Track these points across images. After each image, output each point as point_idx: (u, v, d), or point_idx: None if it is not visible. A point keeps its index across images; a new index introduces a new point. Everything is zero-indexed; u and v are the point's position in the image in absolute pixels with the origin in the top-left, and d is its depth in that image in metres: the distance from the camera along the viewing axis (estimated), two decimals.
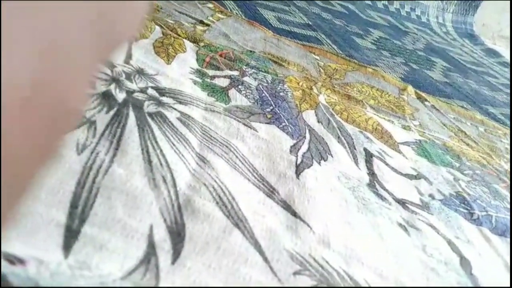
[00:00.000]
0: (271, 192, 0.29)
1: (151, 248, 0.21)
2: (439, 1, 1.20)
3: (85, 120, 0.28)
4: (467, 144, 0.51)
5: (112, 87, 0.32)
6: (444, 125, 0.55)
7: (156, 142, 0.29)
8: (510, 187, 0.41)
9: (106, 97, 0.31)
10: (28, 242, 0.19)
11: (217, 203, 0.26)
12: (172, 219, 0.24)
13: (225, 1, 0.66)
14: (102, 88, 0.31)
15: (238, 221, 0.25)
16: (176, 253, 0.22)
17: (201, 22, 0.52)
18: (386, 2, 1.13)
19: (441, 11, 1.22)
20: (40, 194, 0.21)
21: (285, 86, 0.46)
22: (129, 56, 0.37)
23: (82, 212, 0.22)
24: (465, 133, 0.54)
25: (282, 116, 0.40)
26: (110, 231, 0.21)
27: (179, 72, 0.39)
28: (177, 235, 0.23)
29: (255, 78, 0.44)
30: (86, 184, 0.23)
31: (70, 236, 0.20)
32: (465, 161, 0.46)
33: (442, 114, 0.58)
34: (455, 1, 1.24)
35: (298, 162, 0.34)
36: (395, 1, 1.14)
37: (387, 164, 0.40)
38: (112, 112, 0.29)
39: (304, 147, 0.36)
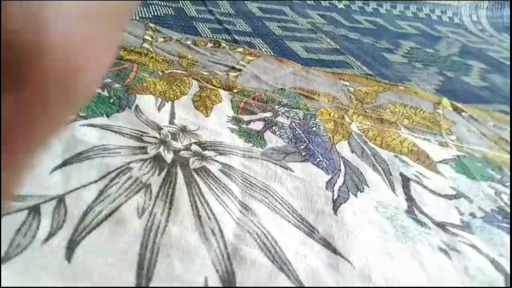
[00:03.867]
0: (310, 231, 0.32)
1: None
2: (471, 1, 1.17)
3: (142, 184, 0.32)
4: (509, 152, 0.51)
5: (161, 149, 0.36)
6: (484, 135, 0.54)
7: (203, 196, 0.32)
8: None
9: (157, 159, 0.35)
10: None
11: (261, 249, 0.29)
12: (224, 269, 0.27)
13: (254, 39, 0.70)
14: (153, 152, 0.35)
15: (282, 264, 0.28)
16: None
17: (233, 68, 0.56)
18: (415, 10, 1.13)
19: (474, 8, 1.20)
20: (112, 259, 0.25)
21: (316, 120, 0.48)
22: (173, 116, 0.42)
23: (148, 272, 0.25)
24: (506, 141, 0.54)
25: (316, 151, 0.42)
26: (172, 286, 0.25)
27: (217, 123, 0.43)
28: (229, 284, 0.26)
29: (287, 117, 0.47)
30: (148, 245, 0.27)
31: None
32: (506, 172, 0.46)
33: (481, 123, 0.57)
34: None
35: (335, 197, 0.36)
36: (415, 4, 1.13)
37: (425, 187, 0.41)
38: (163, 174, 0.33)
39: (340, 181, 0.39)
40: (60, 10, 0.09)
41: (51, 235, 0.26)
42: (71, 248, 0.25)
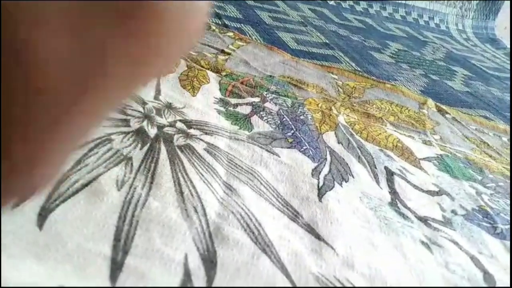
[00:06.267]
0: (295, 216, 0.31)
1: (187, 276, 0.24)
2: (458, 9, 1.19)
3: (122, 157, 0.30)
4: (490, 156, 0.52)
5: (145, 123, 0.35)
6: (466, 137, 0.55)
7: (186, 173, 0.31)
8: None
9: (140, 133, 0.33)
10: (82, 275, 0.21)
11: (244, 229, 0.28)
12: (204, 247, 0.26)
13: (245, 25, 0.69)
14: (136, 126, 0.34)
15: (265, 246, 0.27)
16: (210, 280, 0.24)
17: (222, 51, 0.55)
18: (403, 13, 1.14)
19: (461, 17, 1.22)
20: (88, 230, 0.24)
21: (304, 109, 0.48)
22: (158, 92, 0.40)
23: (125, 244, 0.24)
24: (488, 144, 0.54)
25: (303, 139, 0.41)
26: (150, 260, 0.24)
27: (204, 103, 0.42)
28: (210, 262, 0.25)
29: (275, 103, 0.47)
30: (126, 218, 0.26)
31: (116, 268, 0.22)
32: (487, 174, 0.47)
33: (464, 126, 0.58)
34: (475, 7, 1.23)
35: (320, 184, 0.36)
36: (405, 9, 1.15)
37: (408, 182, 0.41)
38: (145, 148, 0.32)
39: (326, 169, 0.38)
40: None
41: None
42: (43, 215, 0.24)
